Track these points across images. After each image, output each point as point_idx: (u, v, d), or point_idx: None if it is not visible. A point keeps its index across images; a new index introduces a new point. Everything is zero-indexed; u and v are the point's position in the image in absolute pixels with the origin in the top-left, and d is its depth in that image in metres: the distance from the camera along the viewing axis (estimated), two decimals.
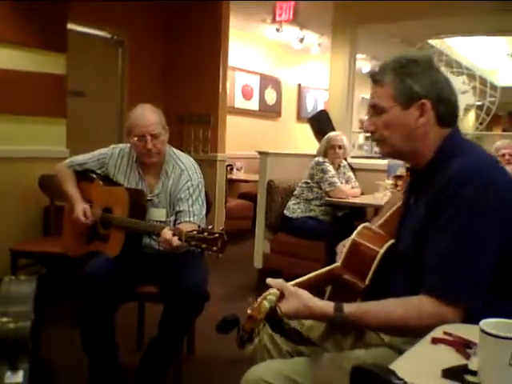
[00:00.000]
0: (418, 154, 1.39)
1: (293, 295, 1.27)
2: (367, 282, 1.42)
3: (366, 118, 1.44)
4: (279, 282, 1.30)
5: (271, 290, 1.26)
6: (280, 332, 1.28)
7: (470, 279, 1.22)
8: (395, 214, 1.59)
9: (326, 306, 1.28)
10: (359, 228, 1.57)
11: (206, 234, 1.99)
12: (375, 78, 1.40)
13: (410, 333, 1.25)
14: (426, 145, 1.37)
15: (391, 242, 1.48)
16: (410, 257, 1.36)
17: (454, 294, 1.22)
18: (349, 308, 1.25)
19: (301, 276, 1.45)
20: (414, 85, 1.33)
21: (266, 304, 1.22)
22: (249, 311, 1.21)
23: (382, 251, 1.44)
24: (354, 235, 1.55)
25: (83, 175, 2.61)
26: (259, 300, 1.24)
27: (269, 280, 1.30)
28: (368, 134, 1.50)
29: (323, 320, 1.29)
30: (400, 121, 1.36)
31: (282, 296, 1.26)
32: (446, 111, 1.36)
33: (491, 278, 1.23)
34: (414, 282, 1.30)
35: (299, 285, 1.36)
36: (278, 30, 6.40)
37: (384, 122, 1.37)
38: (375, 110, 1.39)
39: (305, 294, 1.29)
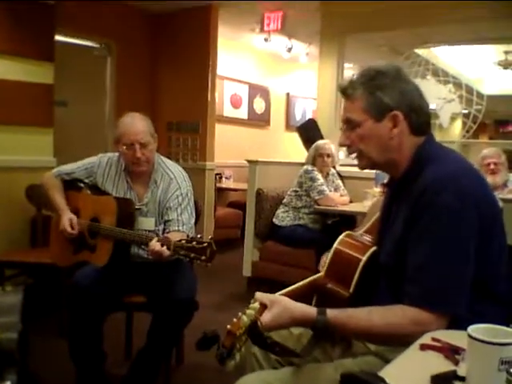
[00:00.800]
0: (395, 165, 1.40)
1: (273, 302, 1.26)
2: (351, 290, 1.41)
3: (341, 132, 1.44)
4: (264, 295, 1.29)
5: (251, 305, 1.26)
6: (261, 346, 1.27)
7: (450, 287, 1.23)
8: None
9: (309, 309, 1.28)
10: (341, 236, 1.57)
11: (194, 243, 1.98)
12: (345, 92, 1.40)
13: (392, 341, 1.25)
14: (401, 155, 1.38)
15: (373, 249, 1.48)
16: (391, 267, 1.37)
17: (437, 303, 1.22)
18: (332, 312, 1.25)
19: (290, 284, 1.45)
20: (384, 97, 1.34)
21: (245, 318, 1.21)
22: (228, 327, 1.20)
23: (364, 258, 1.44)
24: (336, 244, 1.55)
25: (71, 184, 2.60)
26: (239, 315, 1.23)
27: (257, 294, 1.29)
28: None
29: (305, 324, 1.28)
30: (374, 133, 1.36)
31: (264, 309, 1.25)
32: (419, 120, 1.37)
33: (474, 284, 1.24)
34: (396, 291, 1.30)
35: (284, 296, 1.35)
36: (266, 39, 6.43)
37: (358, 135, 1.38)
38: (349, 124, 1.40)
39: (286, 299, 1.29)
